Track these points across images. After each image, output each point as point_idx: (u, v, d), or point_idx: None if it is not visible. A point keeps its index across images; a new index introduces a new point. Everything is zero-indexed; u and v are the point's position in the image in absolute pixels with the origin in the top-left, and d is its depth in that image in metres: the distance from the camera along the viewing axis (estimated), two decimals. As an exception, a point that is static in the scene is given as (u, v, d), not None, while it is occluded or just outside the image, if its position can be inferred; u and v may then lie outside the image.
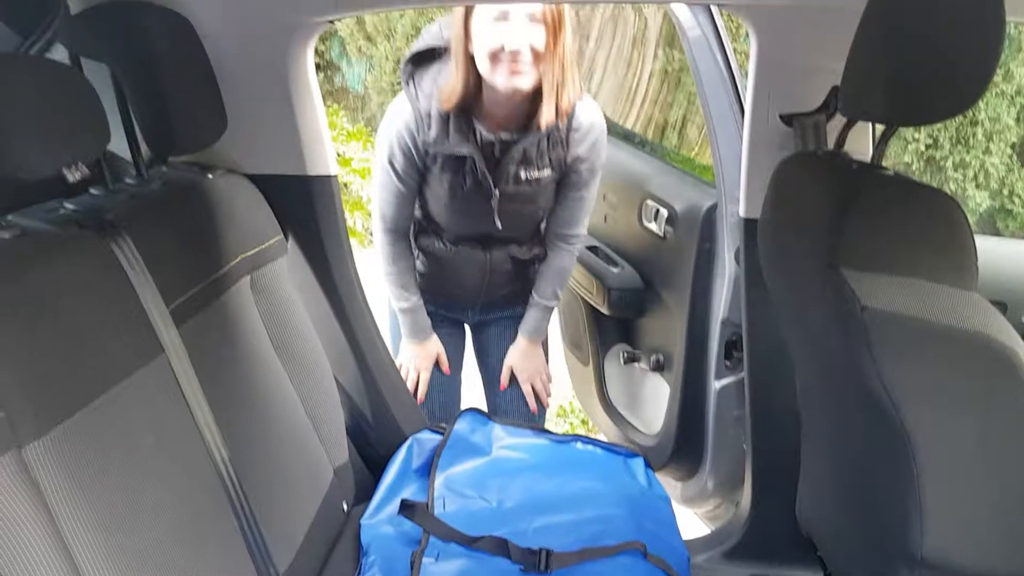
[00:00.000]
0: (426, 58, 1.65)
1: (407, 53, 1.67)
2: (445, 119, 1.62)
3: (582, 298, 2.31)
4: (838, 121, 1.29)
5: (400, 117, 1.67)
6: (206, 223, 1.26)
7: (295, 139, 1.46)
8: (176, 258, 1.13)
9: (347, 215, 5.99)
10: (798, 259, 1.11)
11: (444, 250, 1.85)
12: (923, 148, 4.80)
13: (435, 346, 1.93)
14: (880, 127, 1.07)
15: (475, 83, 1.59)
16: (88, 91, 0.95)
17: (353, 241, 6.03)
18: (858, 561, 1.17)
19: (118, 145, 1.23)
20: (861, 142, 1.42)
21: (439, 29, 1.64)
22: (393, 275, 1.86)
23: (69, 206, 1.03)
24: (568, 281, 1.99)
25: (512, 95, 1.59)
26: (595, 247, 2.25)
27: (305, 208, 1.53)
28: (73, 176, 0.86)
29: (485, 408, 2.05)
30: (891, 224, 0.98)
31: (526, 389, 1.97)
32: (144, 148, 1.26)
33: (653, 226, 1.98)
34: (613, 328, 2.30)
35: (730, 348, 1.81)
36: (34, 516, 0.75)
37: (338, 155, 5.97)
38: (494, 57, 1.53)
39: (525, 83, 1.56)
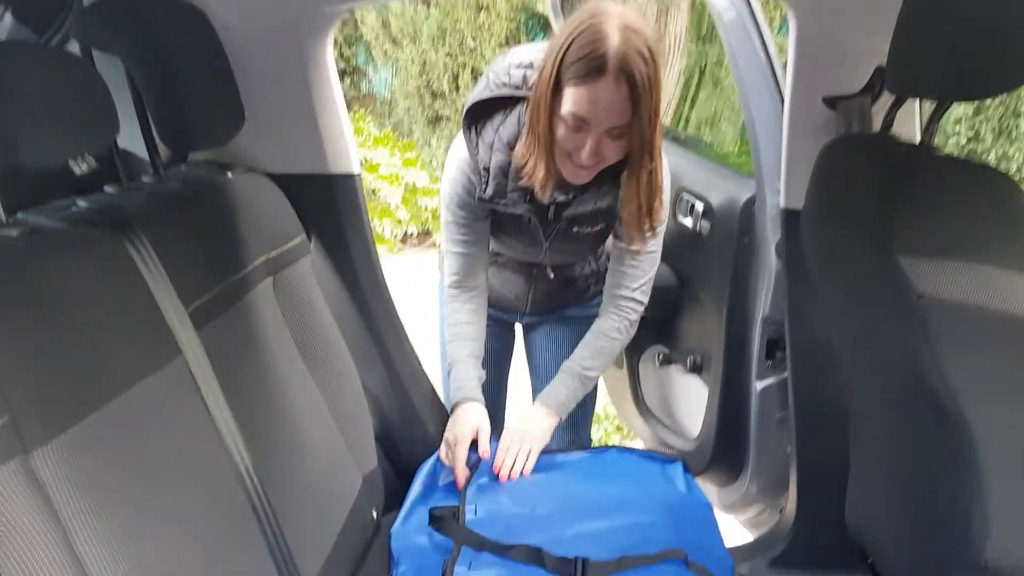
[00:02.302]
0: (487, 107, 1.53)
1: (467, 102, 1.55)
2: (502, 176, 1.53)
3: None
4: (883, 103, 1.24)
5: (460, 166, 1.56)
6: (226, 223, 1.24)
7: (316, 136, 1.43)
8: (195, 259, 1.11)
9: (376, 222, 6.00)
10: (847, 249, 1.06)
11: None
12: (964, 142, 4.68)
13: (474, 416, 1.59)
14: (929, 106, 1.01)
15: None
16: (94, 79, 0.92)
17: (382, 248, 6.07)
18: (915, 570, 1.10)
19: (135, 143, 1.22)
20: (908, 124, 1.37)
21: (496, 77, 1.51)
22: (450, 332, 1.69)
23: (82, 203, 1.00)
24: (611, 361, 1.76)
25: None
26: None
27: (328, 207, 1.51)
28: (80, 168, 0.84)
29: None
30: (947, 207, 0.93)
31: (498, 460, 1.57)
32: (163, 148, 1.24)
33: (688, 221, 1.93)
34: (647, 329, 2.23)
35: (772, 347, 1.75)
36: (42, 526, 0.72)
37: (365, 161, 5.99)
38: (565, 153, 1.41)
39: (589, 179, 1.47)
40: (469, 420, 1.59)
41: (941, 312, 0.88)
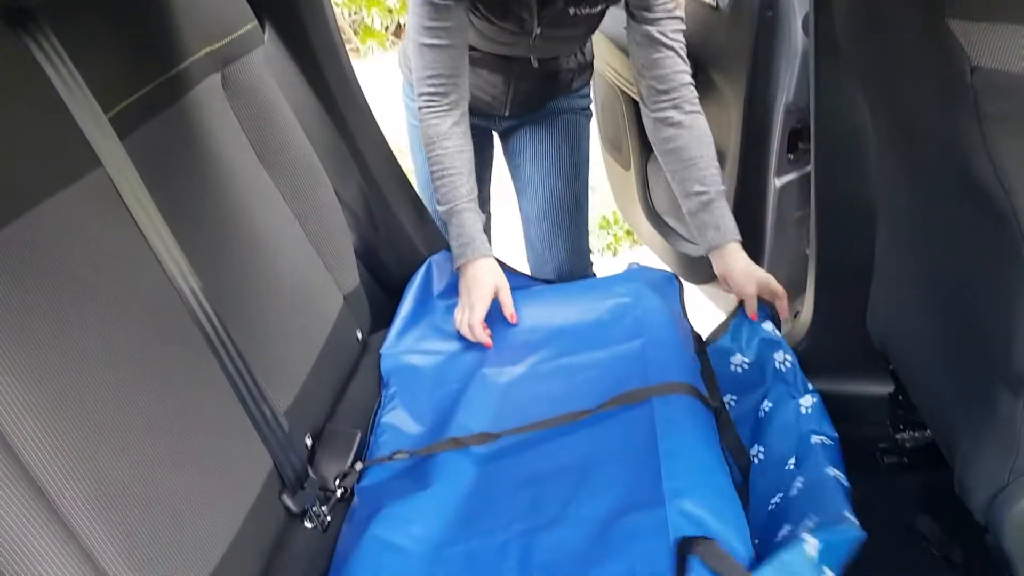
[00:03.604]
0: None
1: None
2: None
3: (621, 90, 2.11)
4: None
5: None
6: (157, 9, 1.09)
7: None
8: (117, 54, 0.98)
9: (362, 12, 5.67)
10: (888, 14, 0.91)
11: None
12: None
13: (489, 275, 1.42)
14: None
15: None
16: None
17: (372, 43, 5.76)
18: (944, 379, 1.05)
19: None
20: None
21: None
22: (438, 164, 1.45)
23: None
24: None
25: None
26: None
27: None
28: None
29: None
30: None
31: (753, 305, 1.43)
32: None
33: (704, -5, 1.75)
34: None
35: (794, 139, 1.64)
36: None
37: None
38: None
39: None
40: (485, 281, 1.41)
41: (998, 89, 0.75)
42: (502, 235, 2.13)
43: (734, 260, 1.44)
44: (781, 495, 1.12)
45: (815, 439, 1.18)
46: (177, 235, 0.94)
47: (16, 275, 0.71)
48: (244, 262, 1.12)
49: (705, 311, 2.13)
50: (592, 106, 1.83)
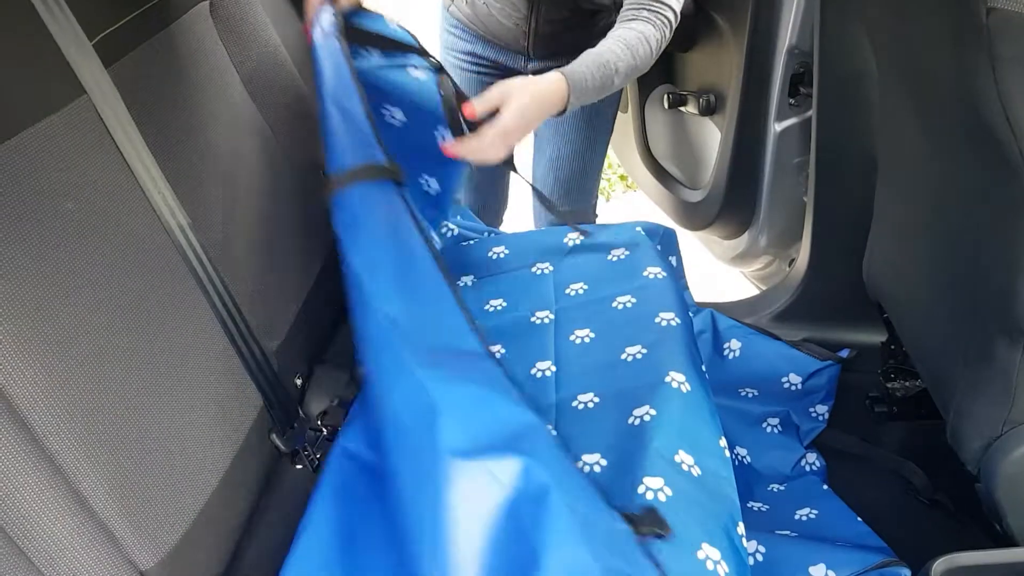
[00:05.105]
0: None
1: None
2: None
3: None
4: None
5: None
6: None
7: None
8: None
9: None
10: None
11: None
12: None
13: None
14: None
15: None
16: None
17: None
18: (941, 328, 1.05)
19: None
20: None
21: None
22: None
23: None
24: (635, 72, 1.31)
25: None
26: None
27: None
28: None
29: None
30: None
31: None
32: None
33: (707, -69, 1.69)
34: (655, 65, 2.06)
35: (796, 83, 1.60)
36: None
37: None
38: None
39: None
40: None
41: (1014, 32, 0.73)
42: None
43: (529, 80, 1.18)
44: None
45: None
46: (163, 167, 0.91)
47: None
48: (232, 196, 1.10)
49: (700, 258, 2.12)
50: None
